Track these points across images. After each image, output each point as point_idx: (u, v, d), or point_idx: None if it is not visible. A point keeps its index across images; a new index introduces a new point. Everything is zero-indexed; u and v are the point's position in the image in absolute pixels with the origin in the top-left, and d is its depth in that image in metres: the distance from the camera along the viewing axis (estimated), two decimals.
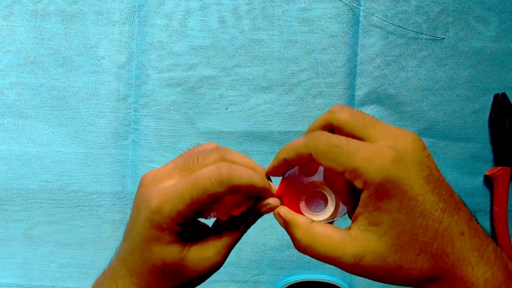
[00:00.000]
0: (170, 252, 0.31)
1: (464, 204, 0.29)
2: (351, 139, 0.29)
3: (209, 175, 0.30)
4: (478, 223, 0.29)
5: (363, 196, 0.28)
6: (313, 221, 0.32)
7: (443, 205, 0.28)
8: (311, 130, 0.32)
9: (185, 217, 0.30)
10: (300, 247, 0.31)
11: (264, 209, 0.33)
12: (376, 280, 0.30)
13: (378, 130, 0.29)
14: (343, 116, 0.30)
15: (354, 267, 0.29)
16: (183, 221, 0.31)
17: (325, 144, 0.29)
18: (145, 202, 0.31)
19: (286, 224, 0.32)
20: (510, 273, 0.28)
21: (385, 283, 0.30)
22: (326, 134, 0.29)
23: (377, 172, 0.27)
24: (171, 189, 0.30)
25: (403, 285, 0.30)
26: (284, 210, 0.33)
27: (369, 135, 0.30)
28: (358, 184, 0.28)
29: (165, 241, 0.31)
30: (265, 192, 0.33)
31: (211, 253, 0.32)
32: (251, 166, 0.33)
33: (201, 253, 0.32)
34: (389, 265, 0.28)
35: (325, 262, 0.30)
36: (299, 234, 0.31)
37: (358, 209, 0.29)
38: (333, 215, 0.33)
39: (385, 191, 0.27)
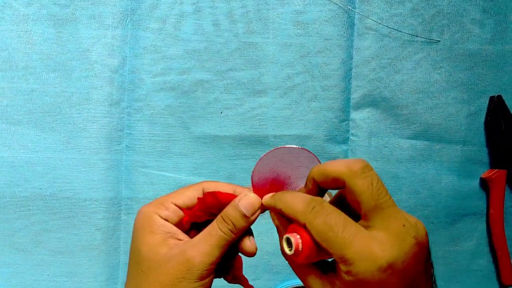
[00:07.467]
0: None
1: None
2: (348, 223, 0.29)
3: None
4: None
5: (345, 277, 0.28)
6: None
7: None
8: (322, 173, 0.32)
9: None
10: None
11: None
12: None
13: (386, 217, 0.29)
14: (359, 184, 0.30)
15: None
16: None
17: (322, 222, 0.29)
18: None
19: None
20: None
21: None
22: (326, 209, 0.30)
23: (365, 270, 0.28)
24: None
25: None
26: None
27: (376, 218, 0.29)
28: (343, 268, 0.28)
29: None
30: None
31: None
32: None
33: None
34: None
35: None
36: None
37: (335, 280, 0.30)
38: None
39: (365, 283, 0.28)
